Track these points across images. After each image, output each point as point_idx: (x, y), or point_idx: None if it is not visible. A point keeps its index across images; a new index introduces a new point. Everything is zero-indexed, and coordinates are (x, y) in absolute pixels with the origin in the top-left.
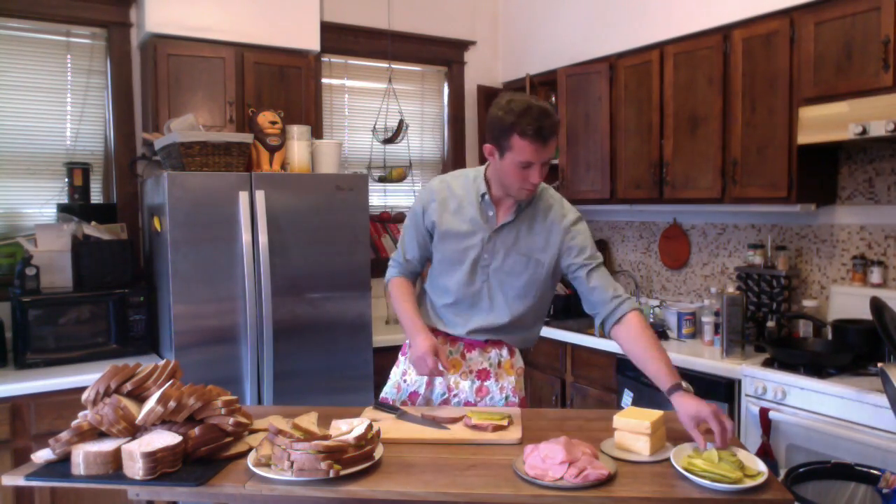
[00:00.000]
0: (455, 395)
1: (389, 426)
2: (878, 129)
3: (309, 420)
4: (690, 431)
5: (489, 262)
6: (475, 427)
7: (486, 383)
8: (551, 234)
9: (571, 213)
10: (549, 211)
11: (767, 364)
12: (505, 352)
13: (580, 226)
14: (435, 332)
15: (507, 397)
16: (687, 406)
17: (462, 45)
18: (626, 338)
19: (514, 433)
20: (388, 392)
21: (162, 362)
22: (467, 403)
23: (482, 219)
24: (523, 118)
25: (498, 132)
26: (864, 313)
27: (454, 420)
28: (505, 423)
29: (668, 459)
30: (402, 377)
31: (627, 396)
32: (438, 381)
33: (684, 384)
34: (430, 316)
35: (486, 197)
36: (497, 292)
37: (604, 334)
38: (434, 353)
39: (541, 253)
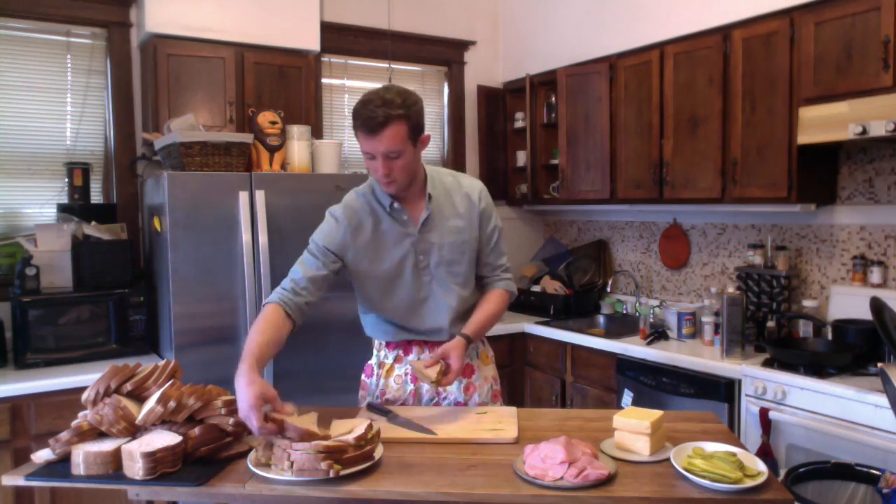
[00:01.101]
0: (444, 398)
1: (385, 426)
2: (878, 129)
3: (309, 420)
4: (434, 357)
5: (426, 261)
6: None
7: (471, 379)
8: (469, 209)
9: (475, 183)
10: (455, 187)
11: (767, 364)
12: (479, 343)
13: (484, 191)
14: (410, 343)
15: (491, 387)
16: (448, 346)
17: (462, 45)
18: (479, 303)
19: (510, 432)
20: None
21: (162, 362)
22: (457, 404)
23: (400, 225)
24: (359, 110)
25: (353, 121)
26: (864, 313)
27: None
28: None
29: (668, 459)
30: (383, 398)
31: (627, 396)
32: (426, 388)
33: (470, 339)
34: (396, 333)
35: (395, 204)
36: (445, 284)
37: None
38: (259, 405)
39: (469, 231)
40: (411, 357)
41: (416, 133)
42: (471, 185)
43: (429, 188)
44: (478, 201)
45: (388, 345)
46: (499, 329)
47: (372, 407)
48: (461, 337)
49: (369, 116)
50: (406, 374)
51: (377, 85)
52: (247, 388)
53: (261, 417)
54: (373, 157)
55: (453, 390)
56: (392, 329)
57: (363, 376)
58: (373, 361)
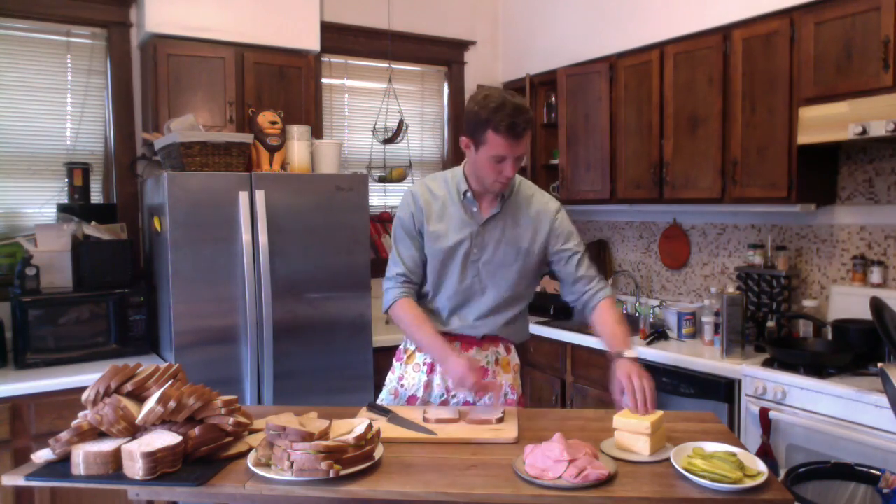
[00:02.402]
0: (454, 396)
1: (385, 426)
2: (878, 129)
3: (309, 420)
4: (615, 394)
5: (479, 256)
6: (479, 421)
7: (484, 381)
8: (539, 223)
9: (553, 202)
10: (531, 200)
11: (767, 364)
12: (501, 349)
13: (563, 214)
14: None
15: (505, 395)
16: (620, 368)
17: (462, 45)
18: (598, 318)
19: (511, 432)
20: (384, 398)
21: (164, 364)
22: (466, 403)
23: (467, 215)
24: (497, 114)
25: (473, 126)
26: (864, 313)
27: (452, 420)
28: (501, 414)
29: (668, 459)
30: (399, 382)
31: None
32: (437, 382)
33: (628, 352)
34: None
35: (469, 194)
36: (489, 285)
37: (585, 321)
38: (471, 369)
39: (529, 242)
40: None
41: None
42: (547, 203)
43: (506, 191)
44: (553, 219)
45: None
46: None
47: (372, 407)
48: (627, 360)
49: (515, 122)
50: (424, 364)
51: (377, 85)
52: (457, 362)
53: (478, 377)
54: (501, 160)
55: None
56: (432, 316)
57: (394, 359)
58: (401, 347)
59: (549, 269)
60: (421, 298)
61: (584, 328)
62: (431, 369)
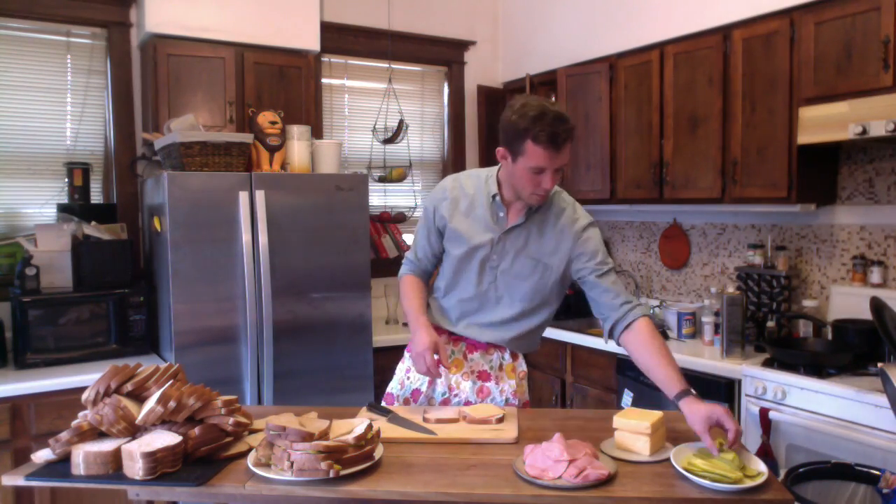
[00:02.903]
0: (456, 395)
1: (384, 426)
2: (878, 129)
3: (309, 420)
4: (702, 435)
5: (497, 263)
6: (479, 421)
7: (486, 384)
8: (562, 239)
9: (584, 218)
10: (560, 215)
11: (767, 364)
12: (507, 355)
13: (591, 231)
14: (439, 330)
15: (506, 400)
16: (698, 410)
17: (462, 45)
18: (635, 344)
19: (510, 432)
20: (392, 388)
21: (164, 364)
22: (467, 403)
23: (492, 220)
24: (537, 123)
25: (511, 136)
26: (864, 313)
27: (452, 421)
28: (501, 414)
29: (668, 459)
30: (406, 374)
31: (627, 396)
32: (440, 380)
33: (693, 391)
34: (435, 314)
35: (497, 198)
36: (504, 294)
37: (612, 339)
38: (433, 350)
39: (550, 257)
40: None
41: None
42: (578, 218)
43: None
44: (580, 235)
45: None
46: None
47: (372, 407)
48: (690, 396)
49: (556, 132)
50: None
51: (377, 85)
52: (425, 336)
53: (433, 360)
54: (540, 171)
55: (466, 389)
56: (434, 311)
57: (406, 349)
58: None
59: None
60: (435, 293)
61: (584, 328)
62: (436, 366)
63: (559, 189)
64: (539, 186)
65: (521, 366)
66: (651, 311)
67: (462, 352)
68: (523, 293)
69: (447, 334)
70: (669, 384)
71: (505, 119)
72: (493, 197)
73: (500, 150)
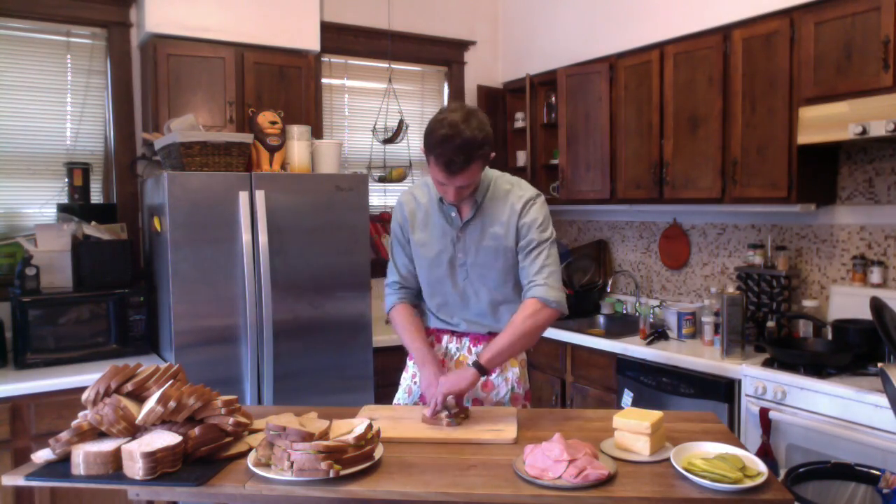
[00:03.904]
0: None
1: (388, 426)
2: (878, 129)
3: (309, 420)
4: (439, 399)
5: (464, 259)
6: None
7: (491, 378)
8: (511, 217)
9: (527, 193)
10: (507, 196)
11: (767, 364)
12: None
13: (535, 204)
14: (440, 331)
15: (512, 388)
16: (449, 375)
17: (462, 45)
18: (513, 316)
19: (510, 432)
20: (399, 398)
21: (164, 364)
22: (475, 400)
23: (447, 221)
24: (437, 147)
25: (425, 144)
26: (864, 313)
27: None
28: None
29: (668, 459)
30: (413, 380)
31: (627, 396)
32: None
33: (481, 366)
34: (429, 318)
35: (444, 200)
36: (480, 286)
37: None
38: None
39: (505, 238)
40: (445, 345)
41: (487, 160)
42: (521, 196)
43: (477, 194)
44: (520, 211)
45: (427, 330)
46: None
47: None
48: (473, 367)
49: (451, 160)
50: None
51: (377, 85)
52: (430, 375)
53: (439, 402)
54: (443, 185)
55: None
56: (428, 315)
57: (408, 358)
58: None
59: None
60: (425, 301)
61: (584, 328)
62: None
63: (499, 174)
64: (445, 195)
65: (522, 353)
66: (546, 295)
67: (466, 346)
68: (495, 280)
69: (450, 333)
70: (486, 349)
71: (428, 124)
72: (440, 199)
73: (423, 148)
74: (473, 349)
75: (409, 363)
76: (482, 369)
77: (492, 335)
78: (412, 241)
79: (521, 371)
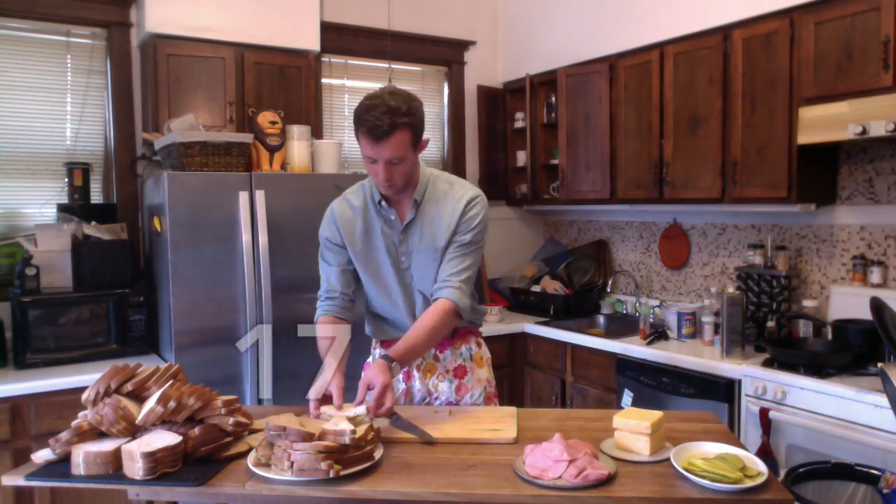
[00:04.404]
0: (436, 398)
1: (385, 427)
2: (878, 129)
3: (309, 420)
4: (359, 391)
5: (407, 262)
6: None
7: (463, 380)
8: (450, 217)
9: (468, 193)
10: (446, 196)
11: (767, 364)
12: (473, 345)
13: (476, 206)
14: (393, 341)
15: (484, 389)
16: (369, 371)
17: (462, 45)
18: (423, 314)
19: (510, 432)
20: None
21: (164, 364)
22: (449, 404)
23: (386, 225)
24: (363, 115)
25: (354, 122)
26: (864, 313)
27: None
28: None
29: (668, 459)
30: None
31: (627, 396)
32: (417, 388)
33: (391, 359)
34: (387, 331)
35: (384, 203)
36: (426, 287)
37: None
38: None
39: (444, 240)
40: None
41: (417, 139)
42: (462, 195)
43: (416, 193)
44: (461, 212)
45: (381, 343)
46: (499, 329)
47: None
48: (381, 358)
49: (375, 124)
50: (400, 373)
51: (377, 85)
52: (323, 381)
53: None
54: (374, 161)
55: (445, 390)
56: (384, 327)
57: (363, 373)
58: (370, 360)
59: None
60: (373, 312)
61: (584, 328)
62: (408, 376)
63: (439, 173)
64: (377, 176)
65: (487, 353)
66: (457, 299)
67: (433, 354)
68: (434, 279)
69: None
70: (400, 342)
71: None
72: (379, 203)
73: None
74: (440, 355)
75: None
76: (389, 360)
77: (455, 339)
78: (352, 249)
79: (488, 371)
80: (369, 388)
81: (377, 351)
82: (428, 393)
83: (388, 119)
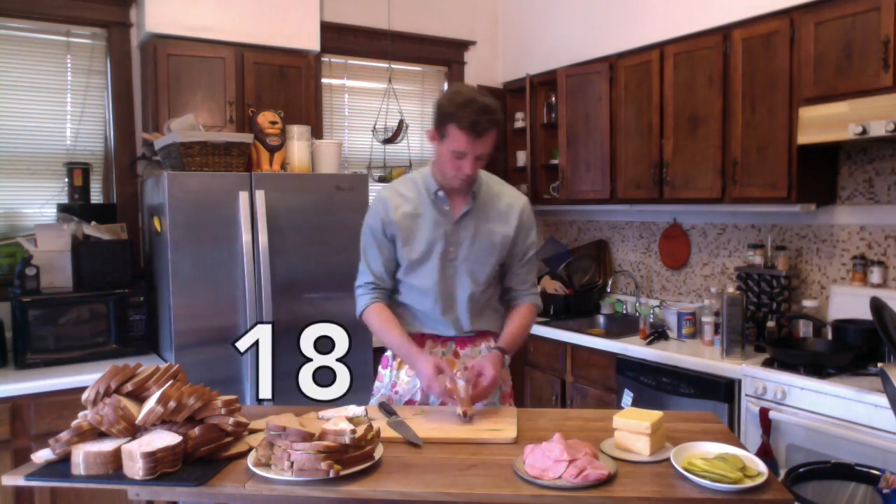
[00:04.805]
0: (451, 396)
1: (385, 427)
2: (878, 129)
3: (309, 420)
4: (470, 376)
5: (455, 253)
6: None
7: (480, 378)
8: (510, 217)
9: (521, 197)
10: (500, 195)
11: (767, 364)
12: (493, 343)
13: (529, 208)
14: (423, 336)
15: (500, 389)
16: (483, 360)
17: (462, 45)
18: (512, 314)
19: (510, 432)
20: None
21: (164, 364)
22: None
23: (440, 214)
24: (462, 110)
25: (438, 119)
26: (864, 313)
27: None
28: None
29: (668, 459)
30: (393, 389)
31: (627, 396)
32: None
33: (503, 350)
34: (412, 323)
35: (440, 193)
36: (469, 281)
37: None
38: (439, 373)
39: (502, 236)
40: (428, 350)
41: (498, 139)
42: (516, 197)
43: (475, 187)
44: (520, 214)
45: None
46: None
47: (381, 407)
48: (497, 350)
49: (476, 120)
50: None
51: (377, 85)
52: (426, 364)
53: (443, 383)
54: (461, 157)
55: (461, 389)
56: (407, 318)
57: (380, 367)
58: (389, 353)
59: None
60: (400, 304)
61: (584, 328)
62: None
63: (488, 174)
64: (460, 171)
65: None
66: (538, 301)
67: (452, 350)
68: (486, 275)
69: (434, 337)
70: (504, 337)
71: (436, 102)
72: (436, 192)
73: (430, 131)
74: (460, 352)
75: (384, 371)
76: (504, 351)
77: (476, 337)
78: (399, 234)
79: (504, 371)
80: (479, 374)
81: (485, 345)
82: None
83: (486, 116)
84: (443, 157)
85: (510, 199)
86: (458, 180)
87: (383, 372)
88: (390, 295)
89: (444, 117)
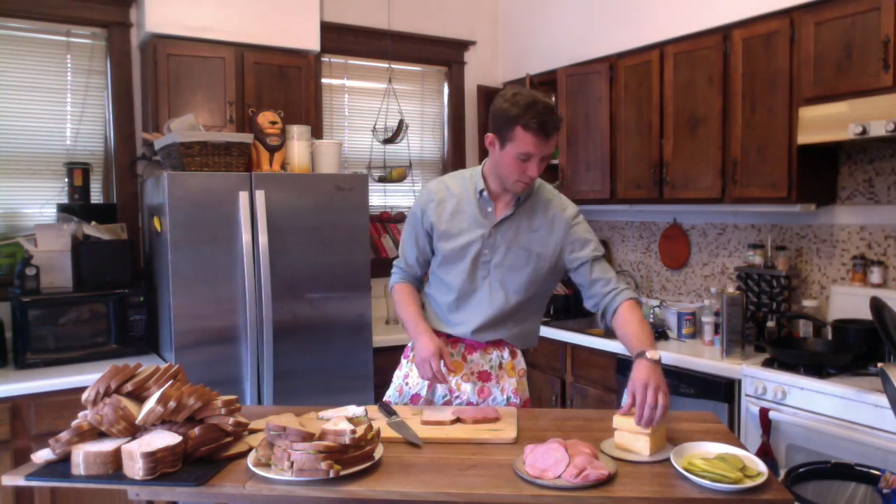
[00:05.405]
0: (457, 397)
1: (385, 427)
2: (878, 129)
3: (309, 420)
4: (628, 396)
5: (490, 257)
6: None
7: (487, 384)
8: (554, 228)
9: (571, 207)
10: (549, 205)
11: (767, 364)
12: (506, 353)
13: (581, 219)
14: (437, 334)
15: (507, 398)
16: (638, 371)
17: (462, 45)
18: (618, 324)
19: (510, 432)
20: (390, 395)
21: (164, 364)
22: (469, 405)
23: (481, 215)
24: (528, 111)
25: (501, 123)
26: (864, 313)
27: (453, 422)
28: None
29: (668, 459)
30: (405, 380)
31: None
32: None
33: (650, 353)
34: (432, 318)
35: (485, 193)
36: (497, 288)
37: (604, 322)
38: (438, 356)
39: (542, 246)
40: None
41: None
42: (566, 207)
43: (524, 193)
44: (569, 224)
45: None
46: None
47: (382, 406)
48: (647, 361)
49: (546, 121)
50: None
51: (377, 85)
52: (429, 343)
53: (438, 365)
54: (527, 159)
55: (467, 391)
56: (429, 315)
57: (402, 356)
58: (409, 344)
59: (565, 276)
60: (428, 296)
61: (584, 328)
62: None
63: (542, 181)
64: (524, 174)
65: (521, 363)
66: (636, 294)
67: (461, 353)
68: (518, 285)
69: (445, 336)
70: (636, 341)
71: (496, 106)
72: (481, 192)
73: (488, 137)
74: (469, 357)
75: (404, 361)
76: (656, 359)
77: (489, 345)
78: (437, 229)
79: (518, 382)
80: (633, 394)
81: (496, 353)
82: (450, 391)
83: (553, 117)
84: (505, 160)
85: (557, 210)
86: (521, 184)
87: (403, 362)
88: (420, 280)
89: (510, 120)
